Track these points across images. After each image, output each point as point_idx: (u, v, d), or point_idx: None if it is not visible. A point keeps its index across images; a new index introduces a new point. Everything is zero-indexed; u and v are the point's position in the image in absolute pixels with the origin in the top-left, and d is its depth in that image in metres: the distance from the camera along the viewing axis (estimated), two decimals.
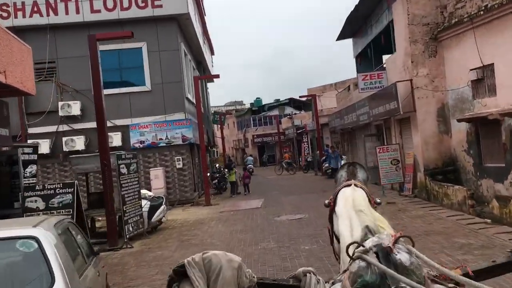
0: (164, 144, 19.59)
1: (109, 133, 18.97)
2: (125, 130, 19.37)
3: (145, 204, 12.53)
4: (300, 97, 30.12)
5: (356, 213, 2.39)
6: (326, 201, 2.83)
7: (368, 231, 2.19)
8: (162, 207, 13.38)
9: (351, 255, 1.96)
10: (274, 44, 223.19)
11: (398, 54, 15.56)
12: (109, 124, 19.36)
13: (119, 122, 19.40)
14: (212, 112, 38.83)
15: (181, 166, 19.65)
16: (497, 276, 2.39)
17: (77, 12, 18.74)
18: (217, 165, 27.18)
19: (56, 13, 18.82)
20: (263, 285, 2.25)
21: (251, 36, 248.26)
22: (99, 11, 18.77)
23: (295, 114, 38.65)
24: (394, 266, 1.81)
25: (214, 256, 2.16)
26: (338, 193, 2.71)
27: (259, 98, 57.06)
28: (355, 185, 2.70)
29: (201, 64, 29.28)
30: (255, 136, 51.50)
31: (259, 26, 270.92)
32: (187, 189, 19.81)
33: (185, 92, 20.28)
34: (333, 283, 2.17)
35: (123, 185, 11.20)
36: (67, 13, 18.66)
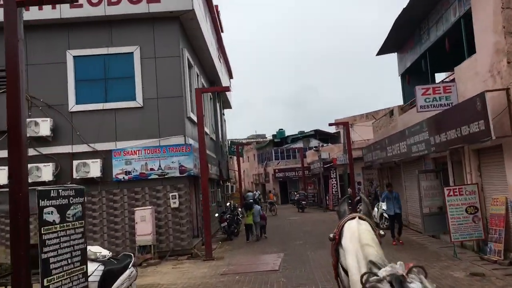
0: (157, 176, 15.16)
1: (85, 160, 14.77)
2: (107, 157, 15.06)
3: (95, 270, 7.96)
4: (329, 125, 25.55)
5: (362, 247, 2.47)
6: (331, 235, 2.97)
7: (373, 265, 2.22)
8: (128, 271, 8.76)
9: (364, 284, 1.99)
10: (299, 80, 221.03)
11: (480, 55, 10.93)
12: (86, 148, 15.14)
13: (100, 146, 15.12)
14: (229, 142, 34.51)
15: (177, 205, 15.11)
16: None
17: (53, 7, 14.85)
18: (228, 203, 22.51)
19: (27, 8, 14.97)
20: None
21: (275, 74, 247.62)
22: (80, 5, 14.83)
23: (322, 146, 34.09)
24: None
25: None
26: (343, 226, 2.84)
27: (282, 129, 52.65)
28: (360, 217, 2.89)
29: (214, 85, 25.14)
30: (276, 170, 46.81)
31: (282, 63, 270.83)
32: (184, 235, 15.18)
33: (186, 110, 15.96)
34: None
35: (47, 242, 6.70)
36: (40, 7, 14.77)
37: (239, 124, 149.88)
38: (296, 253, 14.30)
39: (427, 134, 13.45)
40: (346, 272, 2.65)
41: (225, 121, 33.17)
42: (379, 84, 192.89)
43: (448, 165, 13.86)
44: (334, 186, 32.53)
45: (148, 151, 15.12)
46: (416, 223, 17.79)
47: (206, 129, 21.21)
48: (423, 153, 14.34)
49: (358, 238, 2.57)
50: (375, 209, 20.06)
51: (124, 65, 15.43)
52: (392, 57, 20.15)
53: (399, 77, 20.00)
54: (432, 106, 12.63)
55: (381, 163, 20.89)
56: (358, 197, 22.60)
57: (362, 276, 2.09)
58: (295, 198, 36.47)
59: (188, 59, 16.90)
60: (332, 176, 32.75)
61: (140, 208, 14.66)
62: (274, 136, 50.95)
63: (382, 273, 2.03)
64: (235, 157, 33.95)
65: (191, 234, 15.60)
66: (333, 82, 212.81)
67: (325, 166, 33.27)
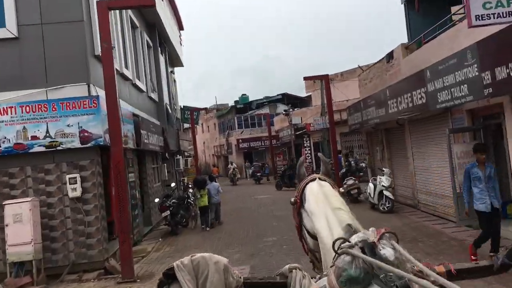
0: (43, 149, 9.50)
1: None
2: None
3: None
4: (304, 78, 19.98)
5: (333, 211, 2.37)
6: (292, 199, 2.78)
7: (351, 229, 2.16)
8: None
9: (336, 250, 1.96)
10: (263, 51, 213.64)
11: None
12: None
13: None
14: (181, 106, 28.75)
15: (78, 193, 9.56)
16: (477, 278, 2.34)
17: None
18: (173, 183, 17.00)
19: None
20: (250, 285, 2.24)
21: (238, 44, 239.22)
22: None
23: (292, 111, 28.94)
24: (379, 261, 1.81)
25: (202, 259, 2.18)
26: (304, 189, 2.68)
27: (245, 95, 47.00)
28: (319, 178, 2.70)
29: (155, 31, 19.21)
30: (240, 140, 41.38)
31: (244, 33, 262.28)
32: (92, 240, 9.68)
33: (93, 44, 10.22)
34: (319, 278, 2.13)
35: None
36: None
37: (201, 96, 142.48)
38: (268, 263, 9.06)
39: (476, 69, 8.29)
40: (310, 234, 2.56)
41: (175, 81, 27.35)
42: (350, 46, 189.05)
43: (505, 118, 8.83)
44: (308, 156, 27.54)
45: (28, 108, 9.39)
46: (431, 203, 12.93)
47: (140, 84, 15.46)
48: (461, 101, 9.22)
49: (324, 201, 2.44)
50: (370, 185, 15.11)
51: None
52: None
53: (402, 4, 14.76)
54: (497, 16, 7.44)
55: (376, 124, 15.82)
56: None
57: (334, 242, 1.98)
58: (251, 171, 32.40)
59: None
60: (305, 145, 27.73)
61: (13, 201, 9.00)
62: (236, 102, 45.23)
63: (354, 239, 1.93)
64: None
65: (105, 236, 10.08)
66: (298, 50, 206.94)
67: (297, 133, 28.14)
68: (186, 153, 30.45)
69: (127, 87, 13.60)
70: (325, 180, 2.69)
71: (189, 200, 16.61)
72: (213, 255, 2.24)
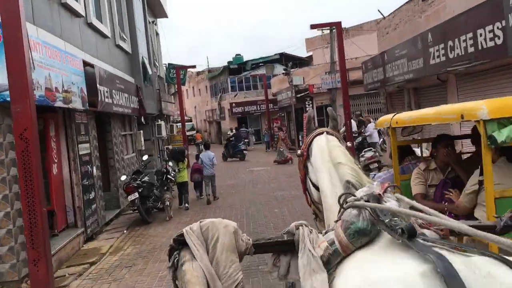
0: None
1: None
2: None
3: None
4: (312, 27, 16.20)
5: (335, 166, 2.38)
6: (299, 151, 2.81)
7: (350, 185, 2.20)
8: None
9: (342, 205, 2.00)
10: (258, 15, 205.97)
11: None
12: None
13: None
14: (166, 65, 25.05)
15: None
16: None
17: None
18: (145, 157, 13.56)
19: None
20: (259, 246, 2.21)
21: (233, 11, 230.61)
22: None
23: (292, 70, 25.32)
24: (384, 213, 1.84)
25: (211, 223, 2.17)
26: (311, 142, 2.69)
27: (239, 55, 43.01)
28: (327, 132, 2.69)
29: None
30: (233, 104, 37.72)
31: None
32: (1, 250, 6.34)
33: None
34: (326, 233, 2.08)
35: None
36: None
37: (193, 61, 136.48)
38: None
39: None
40: (315, 186, 2.59)
41: (157, 34, 23.54)
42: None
43: None
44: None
45: None
46: None
47: (101, 26, 11.83)
48: None
49: (329, 156, 2.45)
50: None
51: None
52: None
53: None
54: None
55: (406, 81, 12.38)
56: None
57: (339, 198, 2.04)
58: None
59: None
60: (307, 109, 24.22)
61: None
62: (229, 62, 41.26)
63: (359, 193, 1.99)
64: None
65: (18, 246, 6.70)
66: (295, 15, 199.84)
67: (298, 95, 24.62)
68: (172, 118, 26.96)
69: (77, 26, 9.99)
70: (332, 135, 2.69)
71: (169, 175, 13.32)
72: (222, 220, 2.24)
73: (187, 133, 27.81)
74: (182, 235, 2.12)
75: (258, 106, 36.86)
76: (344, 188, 2.19)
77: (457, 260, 1.52)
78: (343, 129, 9.16)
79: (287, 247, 2.15)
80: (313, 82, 24.30)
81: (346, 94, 15.52)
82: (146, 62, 17.57)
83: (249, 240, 2.20)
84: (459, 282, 1.42)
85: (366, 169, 12.91)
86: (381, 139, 17.45)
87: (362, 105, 22.90)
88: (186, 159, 14.62)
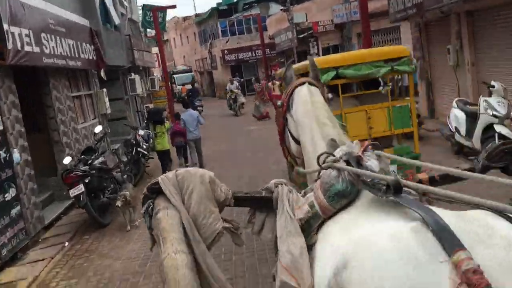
0: None
1: None
2: None
3: None
4: None
5: (319, 125, 2.34)
6: (279, 102, 2.73)
7: (334, 143, 2.14)
8: None
9: (321, 165, 1.97)
10: None
11: None
12: None
13: None
14: (140, 6, 21.01)
15: None
16: (459, 181, 2.20)
17: None
18: (98, 128, 9.81)
19: None
20: (238, 199, 2.19)
21: None
22: None
23: (292, 6, 21.27)
24: None
25: (186, 173, 2.11)
26: (292, 92, 2.61)
27: None
28: (309, 83, 2.61)
29: None
30: (225, 51, 33.55)
31: None
32: None
33: None
34: (305, 193, 2.08)
35: None
36: None
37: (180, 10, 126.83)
38: None
39: None
40: (294, 139, 2.57)
41: None
42: None
43: None
44: None
45: None
46: None
47: None
48: None
49: (313, 113, 2.39)
50: (456, 112, 8.36)
51: None
52: None
53: None
54: None
55: (457, 2, 8.70)
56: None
57: (318, 157, 2.00)
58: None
59: None
60: (311, 52, 20.48)
61: None
62: (219, 4, 36.63)
63: (338, 152, 1.96)
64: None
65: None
66: None
67: (300, 36, 20.77)
68: (153, 72, 23.20)
69: None
70: (314, 85, 2.62)
71: (139, 148, 9.96)
72: (198, 169, 2.18)
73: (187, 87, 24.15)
74: (156, 183, 2.08)
75: (253, 52, 32.80)
76: (329, 145, 2.14)
77: (447, 213, 1.47)
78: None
79: (264, 204, 2.14)
80: (317, 19, 20.37)
81: (368, 27, 11.83)
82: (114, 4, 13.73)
83: (229, 191, 2.17)
84: (450, 234, 1.37)
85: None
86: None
87: (378, 43, 19.14)
88: (165, 120, 11.40)
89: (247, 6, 35.66)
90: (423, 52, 12.15)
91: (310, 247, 1.87)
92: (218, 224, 2.04)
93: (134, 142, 10.14)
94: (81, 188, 7.03)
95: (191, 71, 37.83)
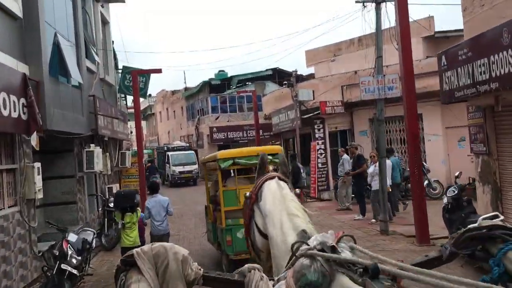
0: None
1: None
2: None
3: None
4: None
5: (289, 216, 2.35)
6: (247, 193, 2.79)
7: (305, 234, 2.15)
8: None
9: (294, 253, 1.96)
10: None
11: None
12: None
13: None
14: (120, 68, 17.93)
15: None
16: (431, 269, 2.12)
17: None
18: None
19: None
20: (209, 279, 2.20)
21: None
22: None
23: (296, 83, 18.47)
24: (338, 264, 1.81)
25: (162, 248, 2.12)
26: (261, 186, 2.64)
27: (222, 71, 36.02)
28: (279, 178, 2.66)
29: None
30: (214, 129, 30.42)
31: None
32: None
33: None
34: (278, 280, 2.05)
35: None
36: None
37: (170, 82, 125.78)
38: None
39: None
40: (260, 231, 2.58)
41: (106, 23, 16.50)
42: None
43: None
44: (322, 153, 17.11)
45: None
46: None
47: None
48: None
49: (283, 205, 2.42)
50: None
51: None
52: None
53: None
54: None
55: None
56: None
57: (293, 245, 2.00)
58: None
59: None
60: (317, 136, 17.29)
61: None
62: (211, 79, 34.12)
63: (312, 242, 1.93)
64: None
65: None
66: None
67: (304, 116, 17.70)
68: (128, 143, 19.64)
69: None
70: (284, 181, 2.65)
71: (64, 265, 6.15)
72: (173, 245, 2.18)
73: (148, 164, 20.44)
74: (131, 255, 2.08)
75: (245, 132, 29.72)
76: (300, 236, 2.14)
77: None
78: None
79: (235, 287, 2.14)
80: (323, 99, 17.41)
81: (414, 107, 8.65)
82: (69, 47, 10.48)
83: (200, 270, 2.18)
84: None
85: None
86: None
87: (393, 132, 16.10)
88: (138, 208, 8.08)
89: (240, 84, 33.28)
90: (489, 145, 8.84)
91: None
92: None
93: (57, 254, 6.27)
94: None
95: (190, 149, 31.13)
